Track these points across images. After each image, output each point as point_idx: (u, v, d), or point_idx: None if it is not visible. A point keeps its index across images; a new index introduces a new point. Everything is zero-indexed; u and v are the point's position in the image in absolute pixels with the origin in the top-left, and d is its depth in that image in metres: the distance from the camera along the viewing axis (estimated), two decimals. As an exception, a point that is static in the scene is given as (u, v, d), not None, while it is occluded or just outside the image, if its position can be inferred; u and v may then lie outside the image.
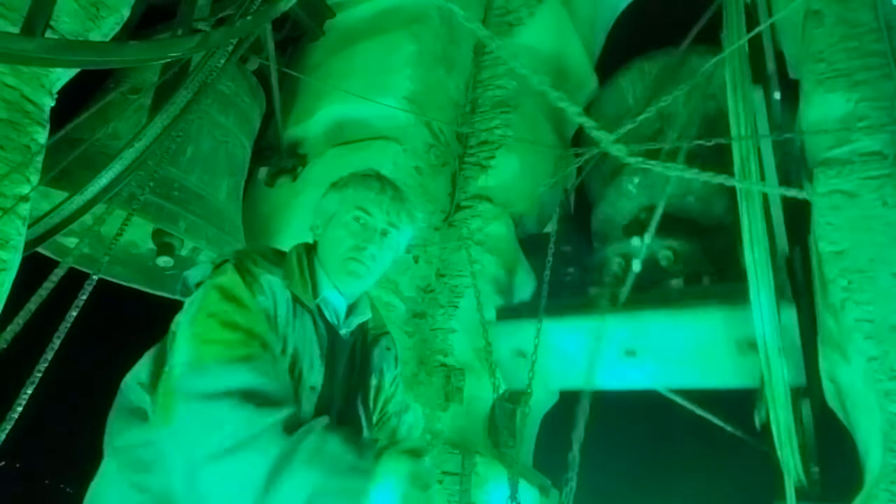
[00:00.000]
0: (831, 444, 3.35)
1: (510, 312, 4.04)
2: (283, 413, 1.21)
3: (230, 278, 1.39)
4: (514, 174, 4.52)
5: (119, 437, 1.41)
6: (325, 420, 1.25)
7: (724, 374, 3.65)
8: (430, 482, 1.18)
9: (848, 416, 3.16)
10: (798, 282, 3.35)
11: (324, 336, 1.49)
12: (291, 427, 1.19)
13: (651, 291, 3.60)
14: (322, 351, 1.47)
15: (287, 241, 4.03)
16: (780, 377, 2.79)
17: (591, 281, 3.70)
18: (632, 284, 3.58)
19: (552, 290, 4.47)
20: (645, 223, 4.26)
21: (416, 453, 1.18)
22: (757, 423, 3.16)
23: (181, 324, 1.37)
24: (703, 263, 4.08)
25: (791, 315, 3.14)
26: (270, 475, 1.13)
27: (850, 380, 3.00)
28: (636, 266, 3.60)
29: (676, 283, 3.83)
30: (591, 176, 5.14)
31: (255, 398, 1.21)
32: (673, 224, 3.68)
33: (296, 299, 1.45)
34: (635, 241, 4.12)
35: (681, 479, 7.37)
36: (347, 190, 1.56)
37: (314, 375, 1.44)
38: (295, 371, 1.41)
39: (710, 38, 4.21)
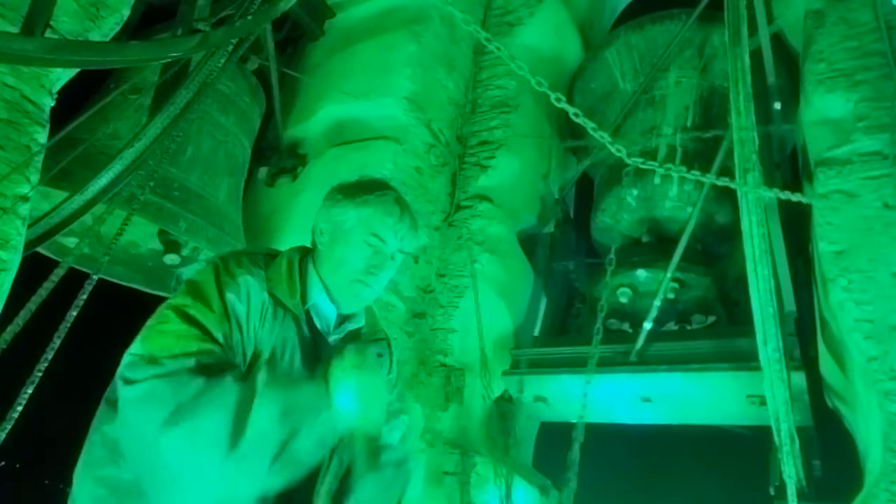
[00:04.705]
0: (831, 443, 3.35)
1: (525, 361, 4.09)
2: (235, 373, 1.25)
3: (203, 275, 1.39)
4: (514, 174, 4.52)
5: (92, 428, 1.42)
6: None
7: (733, 416, 3.86)
8: (374, 366, 1.26)
9: (848, 416, 3.17)
10: (806, 339, 3.43)
11: (307, 341, 1.46)
12: (243, 378, 1.24)
13: (667, 345, 3.69)
14: (304, 357, 1.45)
15: (287, 241, 4.04)
16: (788, 427, 2.84)
17: (598, 313, 3.73)
18: (645, 336, 3.67)
19: (560, 327, 4.55)
20: (647, 248, 4.29)
21: (359, 350, 1.27)
22: (771, 490, 3.19)
23: None
24: (710, 289, 4.11)
25: (800, 378, 3.23)
26: (236, 419, 1.17)
27: (850, 380, 3.00)
28: (648, 324, 3.66)
29: (695, 318, 3.99)
30: (592, 173, 5.13)
31: (202, 372, 1.23)
32: (674, 249, 3.69)
33: (277, 303, 1.43)
34: (641, 273, 4.14)
35: (681, 479, 7.36)
36: (366, 210, 1.50)
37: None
38: (275, 373, 1.38)
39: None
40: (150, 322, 1.33)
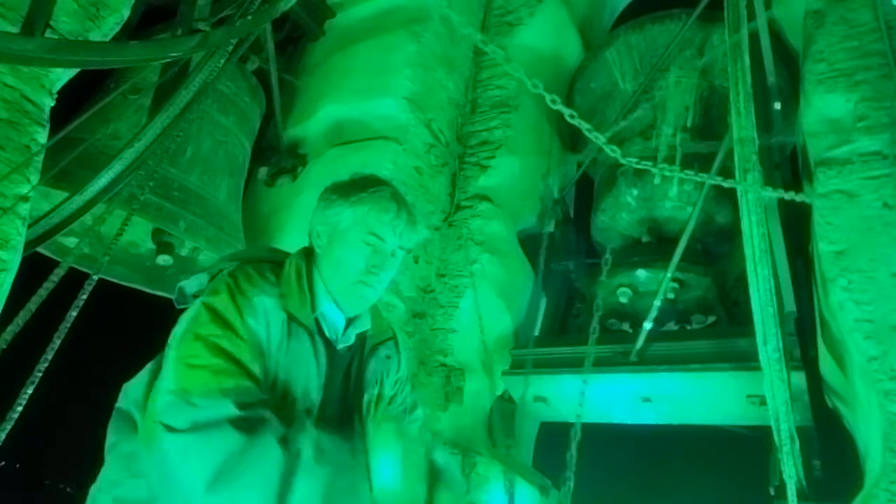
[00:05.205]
0: (831, 443, 3.35)
1: (525, 361, 4.08)
2: (276, 430, 1.21)
3: (221, 299, 1.34)
4: (513, 174, 4.53)
5: (110, 445, 1.41)
6: (311, 423, 1.26)
7: (733, 416, 3.86)
8: (413, 433, 1.26)
9: (848, 416, 3.17)
10: (806, 339, 3.43)
11: (322, 355, 1.42)
12: (286, 440, 1.20)
13: (667, 345, 3.68)
14: (319, 371, 1.41)
15: (287, 241, 4.03)
16: (788, 427, 2.84)
17: (594, 314, 3.73)
18: (645, 336, 3.65)
19: (560, 327, 4.55)
20: (647, 248, 4.29)
21: (391, 417, 1.27)
22: (771, 490, 3.19)
23: (171, 343, 1.34)
24: (710, 289, 4.11)
25: (800, 378, 3.21)
26: (280, 492, 1.15)
27: (850, 380, 3.00)
28: (648, 324, 3.65)
29: (695, 318, 4.00)
30: (592, 173, 5.13)
31: (243, 425, 1.20)
32: (674, 249, 3.68)
33: (292, 318, 1.39)
34: (641, 273, 4.14)
35: (681, 479, 7.36)
36: (361, 208, 1.46)
37: (309, 399, 1.39)
38: (288, 396, 1.36)
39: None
40: (179, 353, 1.30)
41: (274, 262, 1.50)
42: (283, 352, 1.37)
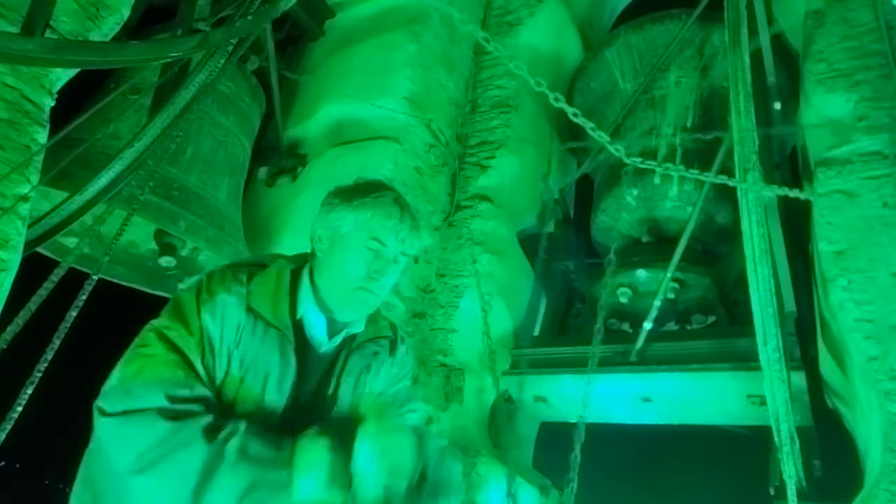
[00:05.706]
0: (831, 443, 3.35)
1: (525, 361, 4.10)
2: (203, 421, 1.24)
3: (188, 295, 1.39)
4: (513, 174, 4.53)
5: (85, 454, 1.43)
6: (244, 423, 1.27)
7: (733, 416, 3.85)
8: (395, 428, 1.28)
9: (848, 416, 3.17)
10: (806, 339, 3.43)
11: (291, 357, 1.41)
12: (212, 432, 1.23)
13: (667, 345, 3.69)
14: (287, 373, 1.40)
15: (287, 241, 4.04)
16: (788, 427, 2.84)
17: (598, 314, 3.75)
18: (645, 336, 3.66)
19: (560, 327, 4.57)
20: (647, 248, 4.30)
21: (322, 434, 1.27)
22: (771, 490, 3.19)
23: None
24: (710, 289, 4.11)
25: (800, 378, 3.21)
26: (198, 483, 1.19)
27: (850, 380, 3.00)
28: (648, 324, 3.65)
29: (695, 318, 4.01)
30: (592, 173, 5.14)
31: (173, 413, 1.23)
32: (674, 249, 3.68)
33: (259, 318, 1.39)
34: (641, 273, 4.14)
35: (681, 479, 7.36)
36: (364, 213, 1.45)
37: (276, 399, 1.38)
38: (243, 393, 1.36)
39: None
40: (136, 342, 1.35)
41: (260, 266, 1.50)
42: (241, 350, 1.38)
